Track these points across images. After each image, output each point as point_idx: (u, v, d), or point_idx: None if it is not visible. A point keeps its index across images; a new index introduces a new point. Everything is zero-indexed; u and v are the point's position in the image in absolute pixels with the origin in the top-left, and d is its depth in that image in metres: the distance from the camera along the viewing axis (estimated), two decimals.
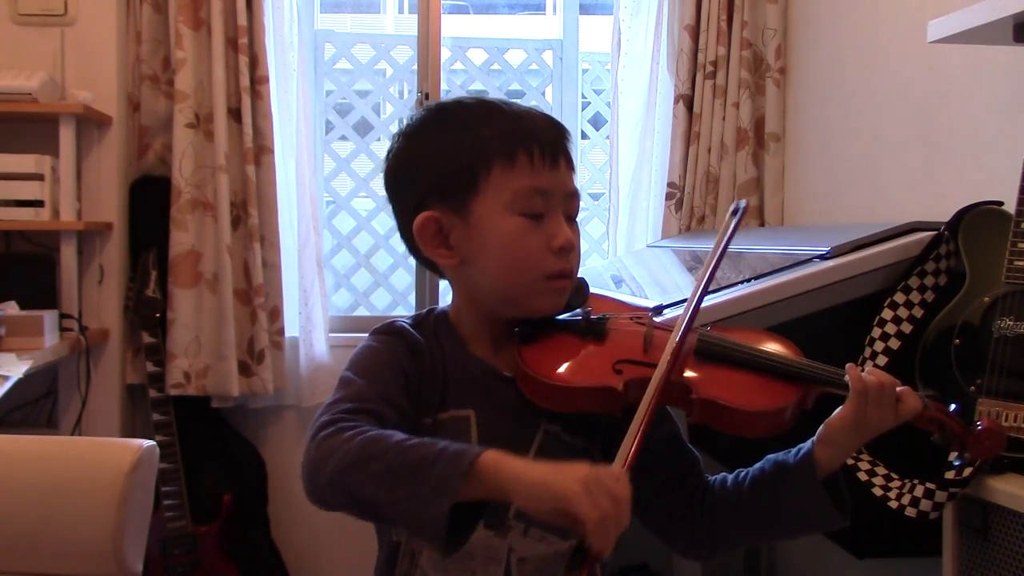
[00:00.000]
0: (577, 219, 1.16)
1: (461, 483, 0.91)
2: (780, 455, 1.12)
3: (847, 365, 1.08)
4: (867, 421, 1.05)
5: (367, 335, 1.15)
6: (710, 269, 1.14)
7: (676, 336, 1.07)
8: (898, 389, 1.06)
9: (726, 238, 1.15)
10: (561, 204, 1.12)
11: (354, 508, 0.98)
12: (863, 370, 1.07)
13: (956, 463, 1.38)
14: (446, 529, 0.90)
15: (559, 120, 1.16)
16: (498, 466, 0.92)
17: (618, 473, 0.92)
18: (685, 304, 1.11)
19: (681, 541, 1.19)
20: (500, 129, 1.11)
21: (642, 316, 1.15)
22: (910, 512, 1.47)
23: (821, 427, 1.08)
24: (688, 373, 1.06)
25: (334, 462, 0.95)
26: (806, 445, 1.09)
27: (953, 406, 1.08)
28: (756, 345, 1.11)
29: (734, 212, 1.17)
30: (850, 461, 1.55)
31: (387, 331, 1.14)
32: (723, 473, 1.19)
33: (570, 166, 1.14)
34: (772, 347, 1.11)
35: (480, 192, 1.10)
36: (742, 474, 1.15)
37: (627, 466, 0.94)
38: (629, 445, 0.96)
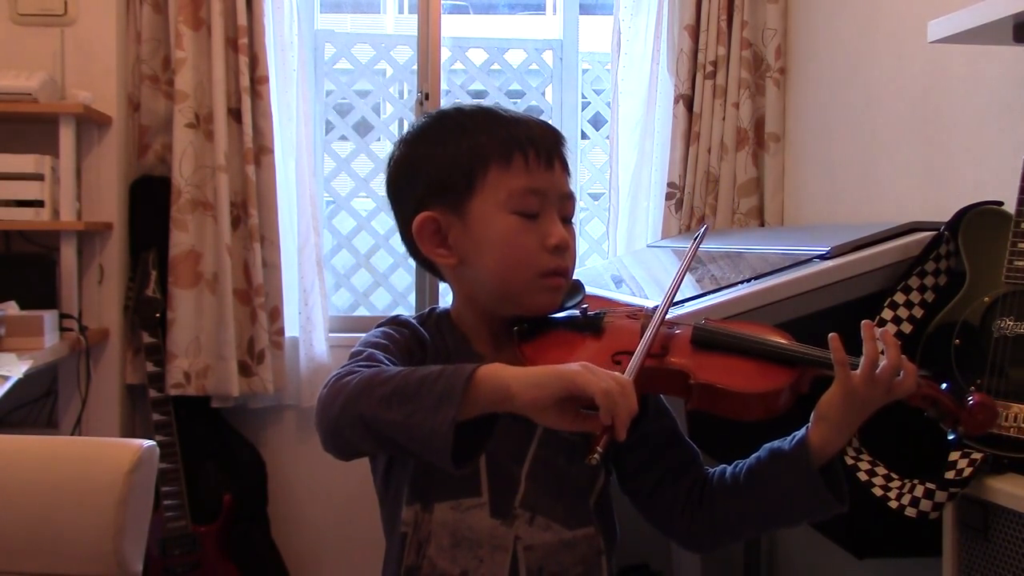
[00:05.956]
0: (573, 222, 1.18)
1: (464, 390, 0.93)
2: (776, 443, 1.14)
3: (863, 322, 1.08)
4: (856, 395, 1.05)
5: (373, 328, 1.17)
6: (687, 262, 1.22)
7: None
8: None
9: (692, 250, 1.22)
10: (556, 205, 1.15)
11: (364, 437, 0.99)
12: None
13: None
14: (451, 438, 0.93)
15: (556, 127, 1.20)
16: (499, 369, 0.96)
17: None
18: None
19: (682, 534, 1.21)
20: (498, 133, 1.14)
21: (637, 313, 1.18)
22: (910, 512, 1.47)
23: (815, 408, 1.10)
24: (686, 360, 1.09)
25: (345, 394, 0.99)
26: (800, 431, 1.11)
27: (944, 384, 1.09)
28: (751, 333, 1.14)
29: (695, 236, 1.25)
30: (850, 461, 1.55)
31: (395, 321, 1.18)
32: (722, 465, 1.20)
33: (565, 170, 1.18)
34: (766, 335, 1.14)
35: (477, 192, 1.13)
36: (740, 465, 1.18)
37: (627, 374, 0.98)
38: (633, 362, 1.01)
